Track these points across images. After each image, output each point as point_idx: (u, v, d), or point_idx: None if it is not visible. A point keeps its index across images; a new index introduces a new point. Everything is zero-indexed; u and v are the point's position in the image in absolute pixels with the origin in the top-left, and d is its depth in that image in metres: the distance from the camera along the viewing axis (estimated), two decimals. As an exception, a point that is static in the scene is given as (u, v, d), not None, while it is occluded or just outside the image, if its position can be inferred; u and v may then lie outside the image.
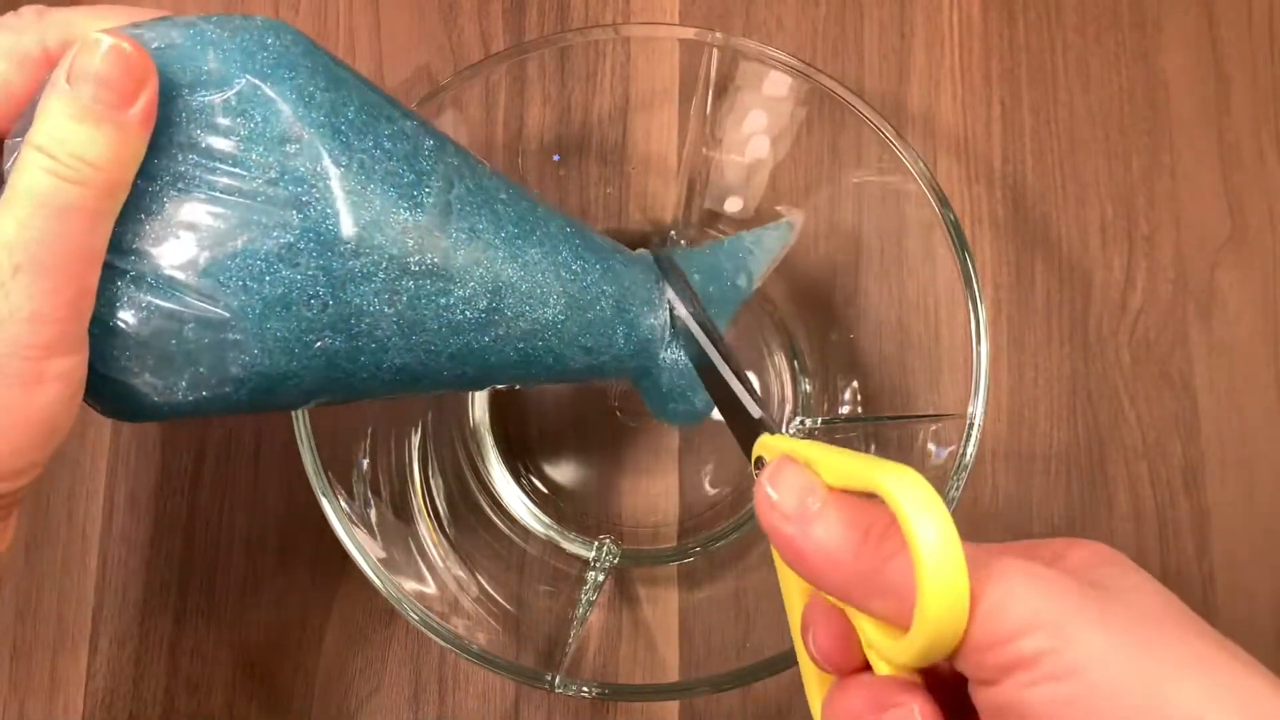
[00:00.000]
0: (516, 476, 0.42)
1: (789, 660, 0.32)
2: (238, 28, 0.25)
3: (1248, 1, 0.46)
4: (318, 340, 0.25)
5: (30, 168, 0.22)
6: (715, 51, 0.37)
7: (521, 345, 0.29)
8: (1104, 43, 0.46)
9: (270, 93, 0.24)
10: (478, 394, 0.42)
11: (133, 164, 0.23)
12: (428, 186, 0.27)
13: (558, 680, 0.33)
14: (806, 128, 0.40)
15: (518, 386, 0.41)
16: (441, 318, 0.27)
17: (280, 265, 0.24)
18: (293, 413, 0.33)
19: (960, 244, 0.34)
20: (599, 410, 0.42)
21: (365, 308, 0.26)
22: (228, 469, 0.42)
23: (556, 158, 0.43)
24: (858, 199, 0.40)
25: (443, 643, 0.32)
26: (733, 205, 0.42)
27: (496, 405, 0.42)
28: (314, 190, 0.24)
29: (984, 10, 0.46)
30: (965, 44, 0.46)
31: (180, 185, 0.24)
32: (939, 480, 0.34)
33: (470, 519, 0.41)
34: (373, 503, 0.36)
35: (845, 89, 0.36)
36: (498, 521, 0.41)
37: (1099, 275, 0.44)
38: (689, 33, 0.38)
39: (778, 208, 0.39)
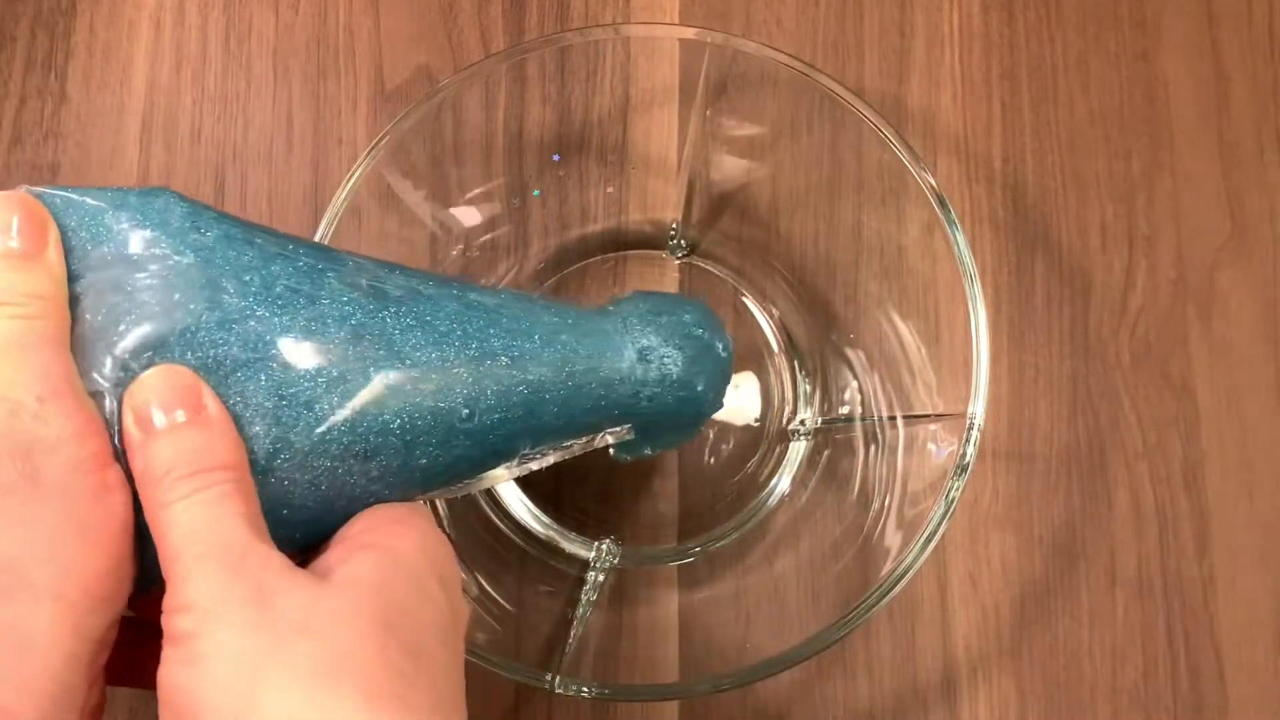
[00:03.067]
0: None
1: (789, 660, 0.32)
2: (126, 190, 0.26)
3: (1248, 1, 0.46)
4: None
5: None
6: (715, 51, 0.37)
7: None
8: (1104, 43, 0.46)
9: (159, 219, 0.25)
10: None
11: (64, 293, 0.24)
12: (332, 297, 0.27)
13: (557, 680, 0.33)
14: (806, 128, 0.40)
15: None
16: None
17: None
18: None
19: (960, 244, 0.34)
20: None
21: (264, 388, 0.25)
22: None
23: (556, 158, 0.43)
24: (857, 199, 0.40)
25: (443, 643, 0.32)
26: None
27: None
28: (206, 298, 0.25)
29: (984, 10, 0.46)
30: (965, 44, 0.46)
31: (91, 299, 0.25)
32: (939, 480, 0.34)
33: (470, 519, 0.41)
34: (373, 503, 0.35)
35: (845, 89, 0.36)
36: (497, 521, 0.41)
37: (1099, 275, 0.44)
38: (689, 33, 0.38)
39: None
